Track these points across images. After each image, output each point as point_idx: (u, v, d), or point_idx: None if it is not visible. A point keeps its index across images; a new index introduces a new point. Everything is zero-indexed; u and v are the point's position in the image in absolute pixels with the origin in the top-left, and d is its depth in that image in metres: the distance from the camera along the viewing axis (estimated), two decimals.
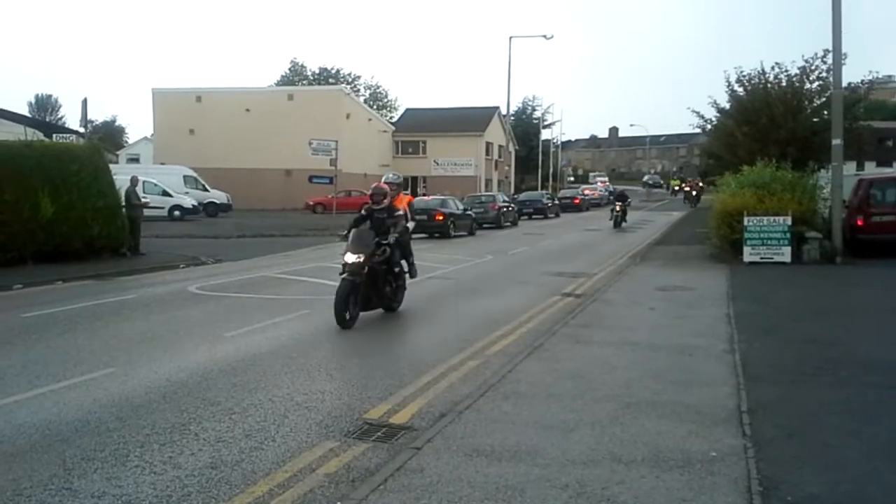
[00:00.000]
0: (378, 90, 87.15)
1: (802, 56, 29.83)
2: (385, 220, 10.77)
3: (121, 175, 21.37)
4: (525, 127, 78.17)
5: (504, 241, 26.38)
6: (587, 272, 16.73)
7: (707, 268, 16.66)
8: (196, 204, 38.67)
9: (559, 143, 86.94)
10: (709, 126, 31.77)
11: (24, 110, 73.49)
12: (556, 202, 49.48)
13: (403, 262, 11.42)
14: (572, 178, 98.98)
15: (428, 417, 6.21)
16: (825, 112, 24.23)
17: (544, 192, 55.56)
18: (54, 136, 26.75)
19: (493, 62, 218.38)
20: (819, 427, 5.71)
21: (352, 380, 7.65)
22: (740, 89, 27.92)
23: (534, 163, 72.43)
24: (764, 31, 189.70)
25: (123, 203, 19.26)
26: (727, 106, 29.33)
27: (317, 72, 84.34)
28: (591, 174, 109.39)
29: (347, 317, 9.85)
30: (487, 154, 63.88)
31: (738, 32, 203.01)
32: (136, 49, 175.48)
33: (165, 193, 36.60)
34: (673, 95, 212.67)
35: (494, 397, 6.54)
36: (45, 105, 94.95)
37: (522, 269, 17.43)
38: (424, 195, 40.95)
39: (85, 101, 24.72)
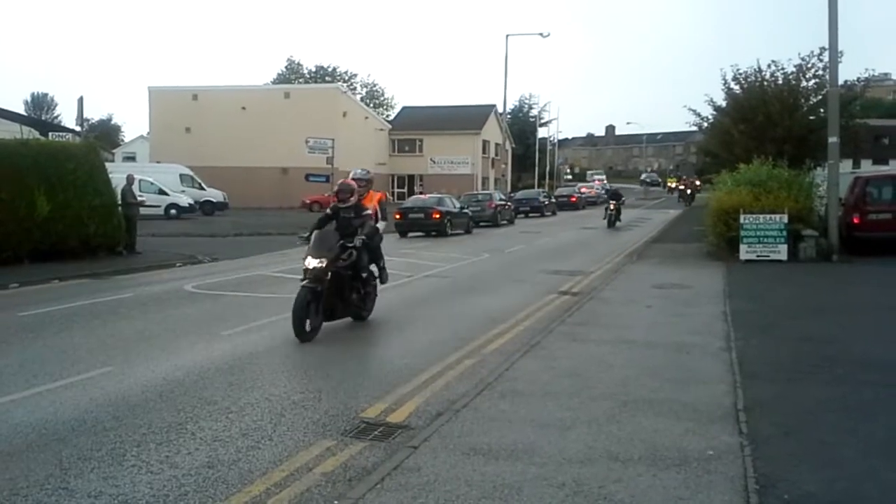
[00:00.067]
0: (375, 88, 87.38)
1: (799, 54, 29.83)
2: (352, 219, 9.81)
3: (117, 173, 21.32)
4: (522, 125, 78.26)
5: (501, 240, 26.39)
6: (584, 270, 16.74)
7: (704, 266, 16.68)
8: (192, 202, 38.64)
9: (556, 141, 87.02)
10: (705, 124, 31.78)
11: (20, 109, 73.57)
12: (553, 200, 49.52)
13: (374, 267, 10.60)
14: (570, 177, 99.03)
15: (425, 416, 6.20)
16: (821, 110, 24.30)
17: (541, 190, 55.63)
18: (50, 134, 26.71)
19: (491, 61, 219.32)
20: (815, 425, 5.71)
21: (348, 379, 7.64)
22: (737, 87, 27.95)
23: (530, 161, 72.49)
24: (763, 30, 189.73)
25: (120, 201, 19.23)
26: (724, 104, 29.36)
27: (313, 70, 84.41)
28: (589, 172, 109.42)
29: (308, 328, 8.95)
30: (484, 152, 63.91)
31: (737, 32, 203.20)
32: (133, 47, 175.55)
33: (162, 192, 36.56)
34: (670, 94, 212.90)
35: (491, 396, 6.53)
36: (41, 103, 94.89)
37: (519, 268, 17.43)
38: (421, 193, 40.99)
39: (81, 100, 24.56)
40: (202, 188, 41.90)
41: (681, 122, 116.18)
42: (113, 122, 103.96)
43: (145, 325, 10.26)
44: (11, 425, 5.94)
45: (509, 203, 39.83)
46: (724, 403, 6.24)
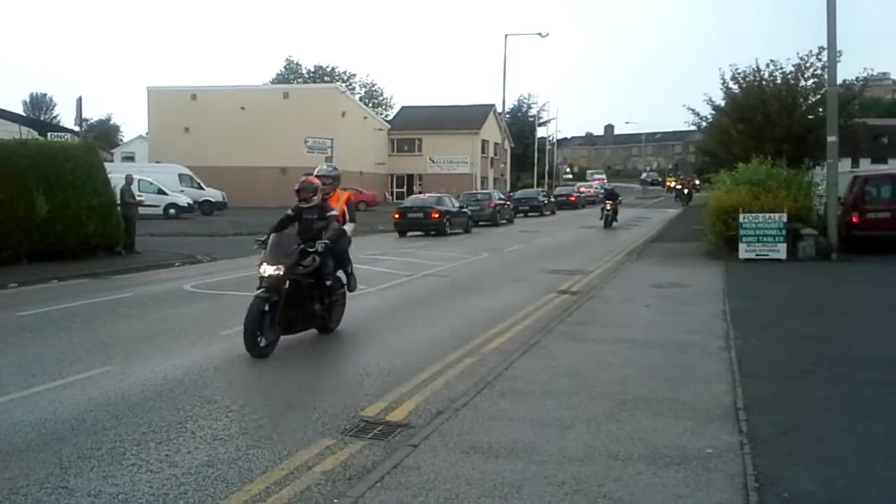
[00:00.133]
0: (373, 88, 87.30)
1: (797, 53, 29.84)
2: (315, 221, 8.82)
3: (116, 173, 21.32)
4: (521, 125, 78.28)
5: (500, 239, 26.39)
6: (583, 269, 16.75)
7: (702, 265, 16.68)
8: (191, 202, 38.60)
9: (555, 140, 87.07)
10: (704, 123, 31.77)
11: (18, 109, 73.54)
12: (552, 200, 49.52)
13: (341, 274, 9.68)
14: (569, 176, 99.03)
15: (425, 415, 6.21)
16: (820, 109, 24.25)
17: (540, 189, 55.63)
18: (49, 134, 26.75)
19: (490, 61, 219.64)
20: (814, 424, 5.72)
21: (348, 377, 7.65)
22: (735, 86, 27.91)
23: (529, 160, 72.51)
24: (762, 30, 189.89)
25: (118, 201, 19.22)
26: (722, 103, 29.34)
27: (312, 70, 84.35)
28: (589, 172, 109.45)
29: (262, 342, 8.04)
30: (483, 152, 63.91)
31: (736, 32, 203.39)
32: (131, 47, 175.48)
33: (161, 192, 36.52)
34: (669, 94, 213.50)
35: (491, 395, 6.54)
36: (39, 104, 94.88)
37: (518, 267, 17.43)
38: (420, 193, 40.98)
39: (80, 100, 24.52)
40: (201, 188, 41.85)
41: (680, 122, 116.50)
42: (112, 122, 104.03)
43: (144, 324, 10.26)
44: (11, 425, 5.94)
45: (508, 202, 39.85)
46: (724, 402, 6.24)
